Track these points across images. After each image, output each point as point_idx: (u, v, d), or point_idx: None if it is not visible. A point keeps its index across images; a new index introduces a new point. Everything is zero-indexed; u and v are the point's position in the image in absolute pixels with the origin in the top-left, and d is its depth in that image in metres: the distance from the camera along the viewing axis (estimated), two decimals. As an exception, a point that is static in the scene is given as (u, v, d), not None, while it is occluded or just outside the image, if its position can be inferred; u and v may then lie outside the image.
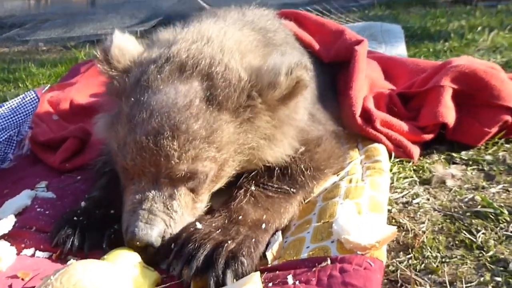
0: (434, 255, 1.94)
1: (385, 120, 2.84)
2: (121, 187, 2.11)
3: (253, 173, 2.19)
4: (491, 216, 2.14)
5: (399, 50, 5.25)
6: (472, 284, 1.77)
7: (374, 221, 1.87)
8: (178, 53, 2.10)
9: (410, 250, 1.98)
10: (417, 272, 1.86)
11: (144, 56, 2.19)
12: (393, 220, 2.19)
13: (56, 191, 2.65)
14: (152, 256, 1.92)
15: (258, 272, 1.72)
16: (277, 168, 2.21)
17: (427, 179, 2.48)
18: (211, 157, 1.93)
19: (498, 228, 2.07)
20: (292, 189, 2.23)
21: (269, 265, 1.90)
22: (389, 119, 2.86)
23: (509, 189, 2.36)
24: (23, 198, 2.51)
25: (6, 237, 2.16)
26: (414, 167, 2.63)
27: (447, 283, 1.78)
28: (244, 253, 1.83)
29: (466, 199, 2.30)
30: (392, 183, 2.46)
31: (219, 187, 2.12)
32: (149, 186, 1.93)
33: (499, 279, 1.78)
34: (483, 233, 2.04)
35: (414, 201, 2.33)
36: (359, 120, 2.82)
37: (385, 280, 1.83)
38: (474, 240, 2.00)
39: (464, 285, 1.76)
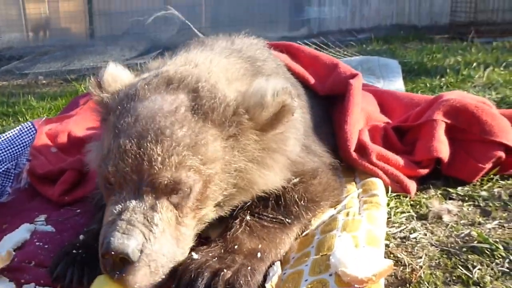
0: (431, 290, 1.96)
1: (381, 154, 2.88)
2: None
3: (248, 203, 2.18)
4: (487, 252, 2.15)
5: (397, 85, 5.32)
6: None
7: (371, 255, 1.88)
8: (166, 70, 2.13)
9: (407, 285, 1.99)
10: (414, 307, 1.87)
11: (134, 80, 2.23)
12: (391, 255, 2.19)
13: (56, 224, 2.65)
14: None
15: None
16: (271, 199, 2.22)
17: (424, 214, 2.50)
18: (195, 167, 1.89)
19: (494, 263, 2.07)
20: (287, 220, 2.23)
21: (269, 297, 1.91)
22: (385, 153, 2.89)
23: (505, 225, 2.37)
24: (22, 232, 2.51)
25: (5, 272, 2.15)
26: (411, 202, 2.65)
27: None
28: (241, 282, 1.83)
29: (463, 235, 2.31)
30: (389, 217, 2.48)
31: (208, 217, 2.05)
32: (130, 196, 1.86)
33: (495, 315, 1.79)
34: (479, 269, 2.04)
35: (412, 236, 2.33)
36: (354, 154, 2.86)
37: (383, 314, 1.83)
38: (471, 276, 2.01)
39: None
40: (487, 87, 5.05)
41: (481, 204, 2.57)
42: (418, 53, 7.72)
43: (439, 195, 2.69)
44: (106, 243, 1.78)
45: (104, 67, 2.31)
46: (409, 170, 2.83)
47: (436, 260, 2.15)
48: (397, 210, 2.56)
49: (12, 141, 3.12)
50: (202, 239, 2.16)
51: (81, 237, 2.24)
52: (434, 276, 2.03)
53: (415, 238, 2.32)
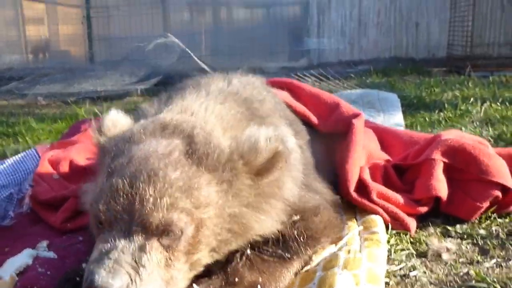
0: (430, 329, 1.98)
1: (381, 192, 2.91)
2: None
3: None
4: (485, 291, 2.18)
5: (396, 119, 5.35)
6: None
7: (372, 293, 1.91)
8: (163, 117, 2.17)
9: (407, 323, 2.02)
10: None
11: (137, 124, 2.25)
12: (391, 293, 2.22)
13: (58, 251, 2.66)
14: None
15: None
16: (272, 234, 2.23)
17: (424, 252, 2.53)
18: (187, 210, 1.88)
19: (492, 303, 2.11)
20: (286, 254, 2.25)
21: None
22: (385, 191, 2.93)
23: (503, 264, 2.40)
24: (24, 257, 2.52)
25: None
26: (411, 240, 2.68)
27: None
28: None
29: (461, 273, 2.33)
30: (389, 254, 2.50)
31: (203, 262, 2.03)
32: (120, 235, 1.84)
33: None
34: (477, 308, 2.08)
35: (411, 274, 2.35)
36: (354, 194, 2.90)
37: None
38: (469, 315, 2.04)
39: None
40: (485, 122, 5.11)
41: (480, 243, 2.60)
42: (416, 86, 7.79)
43: (438, 233, 2.73)
44: (89, 280, 1.75)
45: (106, 114, 2.36)
46: (409, 208, 2.86)
47: (435, 299, 2.18)
48: (397, 248, 2.59)
49: (16, 167, 3.16)
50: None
51: (84, 265, 2.25)
52: (433, 315, 2.06)
53: (414, 276, 2.34)
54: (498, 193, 2.84)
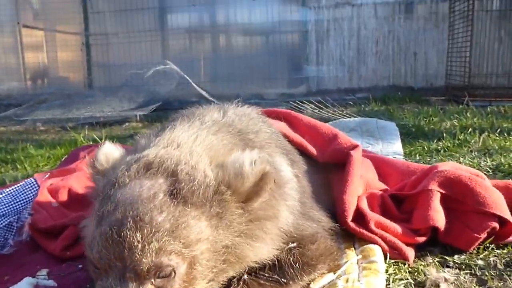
0: None
1: (379, 222, 2.94)
2: None
3: None
4: (483, 323, 2.20)
5: (395, 147, 5.39)
6: None
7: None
8: (147, 155, 2.15)
9: None
10: None
11: (121, 161, 2.25)
12: (389, 322, 2.24)
13: (58, 279, 2.66)
14: None
15: None
16: (268, 260, 2.25)
17: (422, 282, 2.54)
18: (176, 251, 1.88)
19: (490, 334, 2.12)
20: (283, 279, 2.27)
21: None
22: (383, 221, 2.96)
23: (500, 294, 2.43)
24: (25, 286, 2.53)
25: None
26: (409, 269, 2.69)
27: None
28: None
29: (459, 304, 2.37)
30: (388, 284, 2.52)
31: None
32: (116, 281, 1.85)
33: None
34: None
35: (409, 304, 2.38)
36: (351, 224, 2.93)
37: None
38: None
39: None
40: (483, 153, 5.14)
41: (478, 273, 2.61)
42: (415, 115, 7.83)
43: (436, 263, 2.74)
44: None
45: (100, 147, 2.37)
46: (407, 237, 2.89)
47: (433, 329, 2.20)
48: (396, 277, 2.60)
49: (15, 196, 3.18)
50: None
51: None
52: None
53: (413, 305, 2.37)
54: (495, 224, 2.87)
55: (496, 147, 5.31)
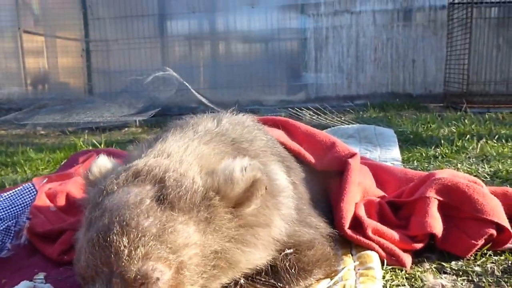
0: None
1: (377, 229, 2.93)
2: None
3: None
4: (480, 329, 2.19)
5: (393, 153, 5.39)
6: None
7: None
8: (136, 164, 2.15)
9: None
10: None
11: (113, 171, 2.26)
12: (386, 328, 2.23)
13: (55, 283, 2.65)
14: None
15: None
16: (262, 266, 2.24)
17: (419, 288, 2.54)
18: (163, 257, 1.87)
19: None
20: (279, 284, 2.27)
21: None
22: (381, 227, 2.94)
23: (498, 301, 2.41)
24: (22, 289, 2.51)
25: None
26: (406, 275, 2.67)
27: None
28: None
29: (456, 310, 2.35)
30: (385, 290, 2.52)
31: None
32: (103, 287, 1.84)
33: None
34: None
35: (406, 310, 2.37)
36: (349, 232, 2.91)
37: None
38: None
39: None
40: (481, 159, 5.14)
41: (475, 279, 2.60)
42: (413, 122, 7.83)
43: (434, 269, 2.72)
44: None
45: (94, 160, 2.37)
46: (404, 244, 2.87)
47: (430, 335, 2.18)
48: (393, 283, 2.58)
49: (13, 201, 3.17)
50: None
51: None
52: None
53: (410, 312, 2.35)
54: (493, 231, 2.85)
55: (494, 154, 5.31)
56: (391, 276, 2.67)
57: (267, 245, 2.22)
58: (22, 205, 3.23)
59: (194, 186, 2.03)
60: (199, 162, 2.20)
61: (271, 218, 2.23)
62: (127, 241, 1.83)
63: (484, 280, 2.58)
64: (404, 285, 2.56)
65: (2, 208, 3.07)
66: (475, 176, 3.52)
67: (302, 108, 9.50)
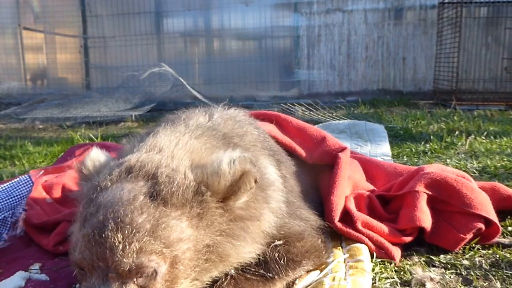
0: None
1: (366, 222, 2.91)
2: None
3: None
4: (467, 321, 2.17)
5: (383, 149, 5.37)
6: None
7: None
8: (129, 159, 2.13)
9: None
10: None
11: (105, 166, 2.24)
12: (375, 320, 2.21)
13: (50, 273, 2.64)
14: None
15: None
16: (251, 260, 2.23)
17: (408, 281, 2.51)
18: (157, 251, 1.86)
19: (474, 333, 2.09)
20: (268, 274, 2.26)
21: None
22: (370, 221, 2.92)
23: (485, 294, 2.39)
24: (17, 280, 2.50)
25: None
26: (395, 268, 2.66)
27: None
28: None
29: (444, 303, 2.33)
30: (374, 283, 2.49)
31: None
32: (99, 281, 1.84)
33: None
34: (460, 338, 2.06)
35: (395, 302, 2.35)
36: (338, 224, 2.90)
37: None
38: None
39: None
40: (469, 155, 5.12)
41: (463, 273, 2.58)
42: (403, 118, 7.83)
43: (422, 262, 2.71)
44: None
45: (87, 153, 2.34)
46: (393, 237, 2.86)
47: (418, 327, 2.16)
48: (382, 276, 2.57)
49: (10, 192, 3.16)
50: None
51: (77, 285, 2.29)
52: None
53: (398, 304, 2.34)
54: (481, 225, 2.84)
55: (483, 150, 5.30)
56: (380, 269, 2.65)
57: (257, 239, 2.20)
58: (19, 196, 3.21)
59: (186, 181, 2.01)
60: (190, 157, 2.18)
61: (261, 212, 2.21)
62: (121, 237, 1.82)
63: (472, 274, 2.56)
64: (393, 278, 2.54)
65: None
66: (464, 171, 3.49)
67: (295, 104, 9.49)
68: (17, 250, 3.04)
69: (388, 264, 2.71)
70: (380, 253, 2.77)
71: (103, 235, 1.84)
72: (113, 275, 1.83)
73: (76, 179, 2.31)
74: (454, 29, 10.15)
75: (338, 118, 7.76)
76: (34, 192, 3.50)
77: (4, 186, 3.23)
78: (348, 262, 2.60)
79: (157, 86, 10.99)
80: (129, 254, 1.81)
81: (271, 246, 2.31)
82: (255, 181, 2.09)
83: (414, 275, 2.53)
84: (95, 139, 6.81)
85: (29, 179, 3.25)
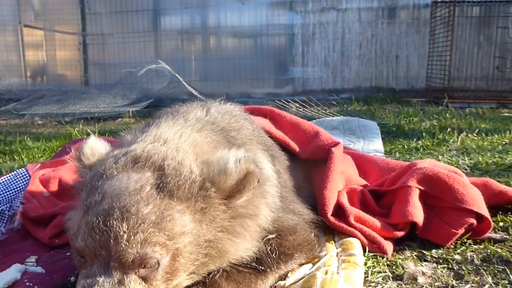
0: None
1: (359, 216, 2.89)
2: None
3: None
4: (459, 315, 2.15)
5: (376, 145, 5.36)
6: None
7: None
8: (134, 149, 2.10)
9: None
10: None
11: (108, 154, 2.21)
12: (367, 314, 2.19)
13: (46, 266, 2.62)
14: None
15: None
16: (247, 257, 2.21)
17: (400, 275, 2.49)
18: (161, 243, 1.85)
19: (466, 327, 2.08)
20: (261, 267, 2.25)
21: None
22: (363, 215, 2.91)
23: (476, 289, 2.38)
24: (13, 272, 2.47)
25: (-6, 313, 2.12)
26: (388, 263, 2.64)
27: None
28: None
29: (436, 297, 2.31)
30: (366, 277, 2.47)
31: (183, 285, 2.02)
32: (100, 270, 1.82)
33: None
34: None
35: (387, 296, 2.33)
36: (331, 219, 2.88)
37: None
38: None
39: None
40: (461, 152, 5.11)
41: (455, 267, 2.56)
42: (396, 115, 7.82)
43: (414, 257, 2.69)
44: None
45: (85, 141, 2.31)
46: (385, 232, 2.84)
47: (410, 321, 2.15)
48: (374, 270, 2.55)
49: (7, 186, 3.14)
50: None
51: (72, 278, 2.27)
52: (408, 337, 2.03)
53: (390, 298, 2.32)
54: (473, 220, 2.82)
55: (474, 147, 5.29)
56: (372, 263, 2.63)
57: (254, 235, 2.19)
58: (16, 190, 3.19)
59: (192, 176, 2.00)
60: (194, 150, 2.17)
61: (258, 207, 2.20)
62: (126, 226, 1.80)
63: (464, 268, 2.54)
64: (385, 272, 2.53)
65: (-3, 193, 3.03)
66: (455, 167, 3.47)
67: (289, 100, 9.47)
68: (14, 243, 3.02)
69: (381, 258, 2.69)
70: (373, 247, 2.75)
71: (108, 223, 1.81)
72: (115, 264, 1.81)
73: (75, 167, 2.27)
74: (447, 28, 10.14)
75: (331, 115, 7.74)
76: (31, 185, 3.48)
77: (2, 180, 3.21)
78: (341, 256, 2.57)
79: (154, 82, 10.99)
80: (134, 245, 1.79)
81: (263, 239, 2.29)
82: (258, 181, 2.08)
83: (406, 270, 2.52)
84: (93, 135, 6.78)
85: (26, 173, 3.23)
